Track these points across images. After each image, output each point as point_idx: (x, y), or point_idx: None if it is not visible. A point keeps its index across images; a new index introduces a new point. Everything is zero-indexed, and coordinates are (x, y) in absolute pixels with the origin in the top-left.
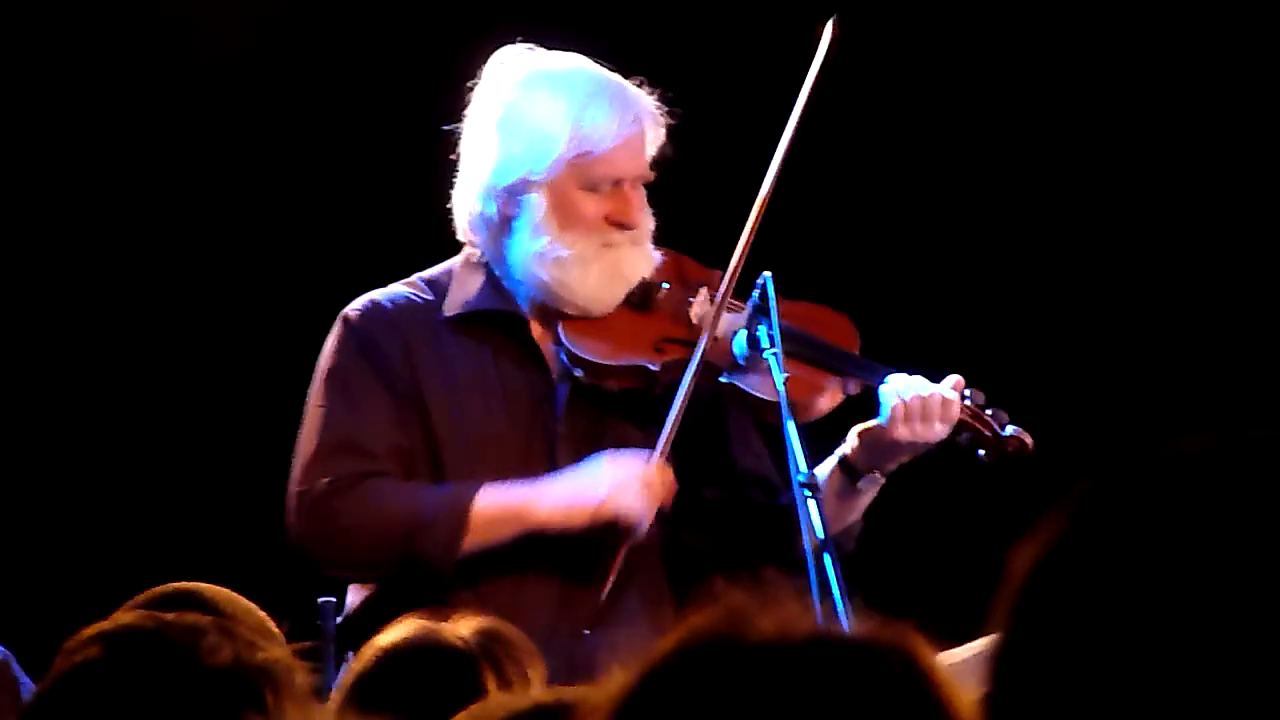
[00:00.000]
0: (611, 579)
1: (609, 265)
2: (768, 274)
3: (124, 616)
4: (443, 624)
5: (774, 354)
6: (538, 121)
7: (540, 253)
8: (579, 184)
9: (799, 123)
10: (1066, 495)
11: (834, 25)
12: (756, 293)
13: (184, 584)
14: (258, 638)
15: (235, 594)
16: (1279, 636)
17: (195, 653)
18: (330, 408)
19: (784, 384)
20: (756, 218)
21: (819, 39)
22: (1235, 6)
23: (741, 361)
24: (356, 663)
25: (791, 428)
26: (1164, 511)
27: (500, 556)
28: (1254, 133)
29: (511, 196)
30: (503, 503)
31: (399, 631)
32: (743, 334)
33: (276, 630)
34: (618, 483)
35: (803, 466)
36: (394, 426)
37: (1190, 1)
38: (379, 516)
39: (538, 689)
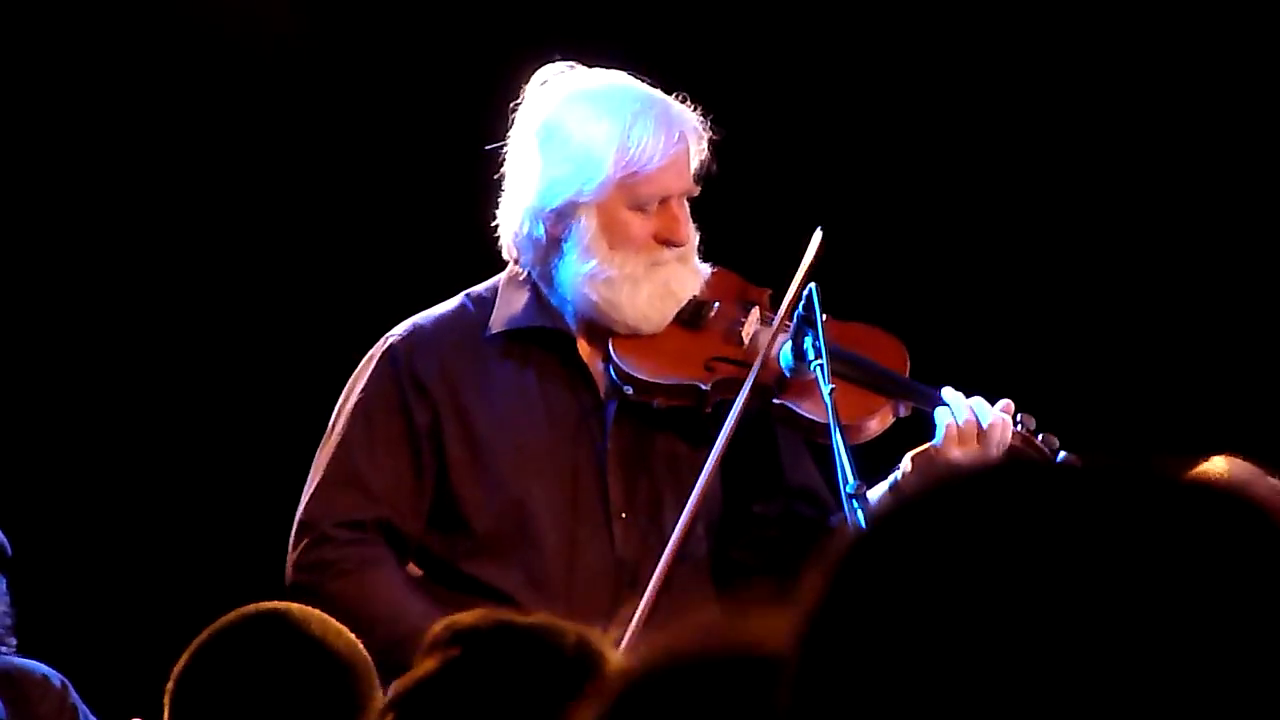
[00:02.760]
0: (649, 597)
1: (659, 284)
2: (813, 284)
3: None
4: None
5: (820, 365)
6: (584, 143)
7: (590, 273)
8: (627, 204)
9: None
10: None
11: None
12: (802, 304)
13: (271, 604)
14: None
15: (322, 614)
16: (1037, 675)
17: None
18: (348, 438)
19: (830, 394)
20: (818, 252)
21: None
22: (1232, 8)
23: (787, 373)
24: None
25: (839, 438)
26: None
27: (535, 574)
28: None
29: (559, 218)
30: None
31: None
32: (789, 345)
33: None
34: None
35: (851, 477)
36: (407, 467)
37: (1187, 12)
38: (365, 615)
39: None
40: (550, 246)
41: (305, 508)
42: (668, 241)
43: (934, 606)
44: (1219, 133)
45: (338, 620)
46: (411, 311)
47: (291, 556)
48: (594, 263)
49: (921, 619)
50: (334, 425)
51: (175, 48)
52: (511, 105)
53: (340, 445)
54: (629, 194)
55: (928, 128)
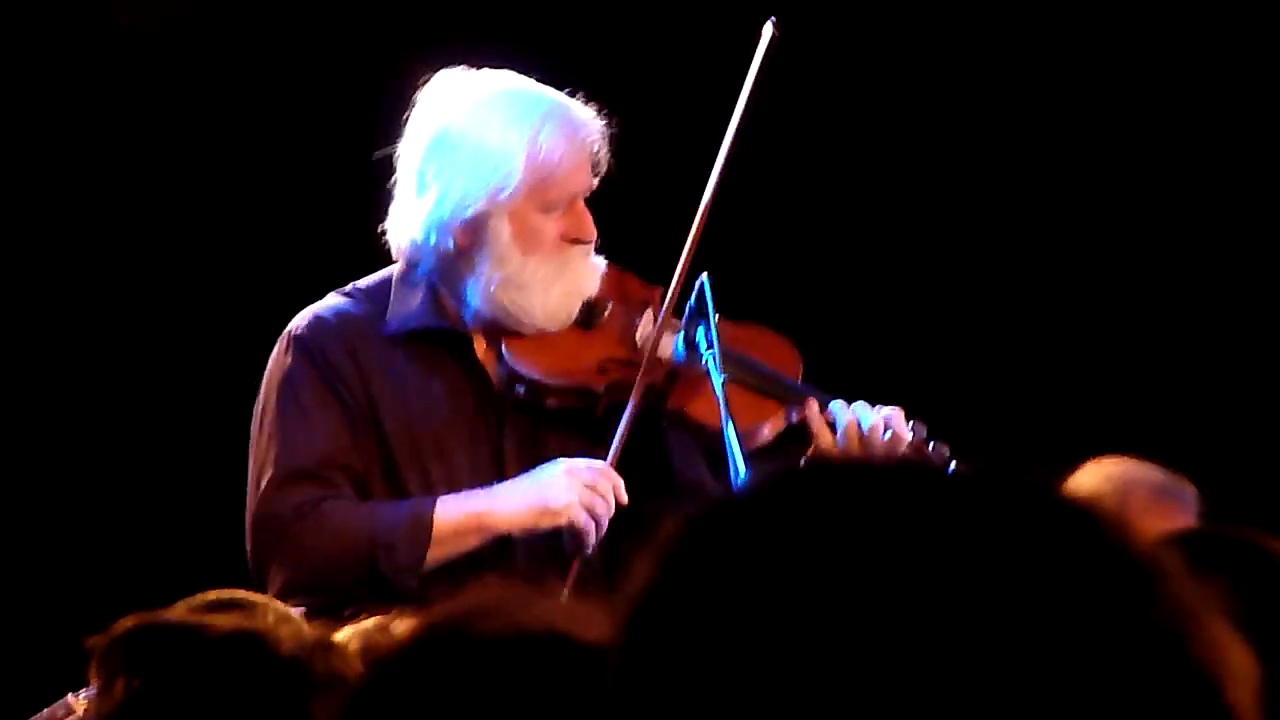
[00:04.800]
0: (568, 588)
1: (568, 282)
2: (705, 276)
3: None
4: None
5: (711, 354)
6: (492, 151)
7: (503, 278)
8: (538, 207)
9: (739, 130)
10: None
11: (773, 27)
12: (694, 294)
13: (227, 591)
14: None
15: (277, 600)
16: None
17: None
18: (285, 430)
19: (723, 385)
20: (696, 235)
21: (757, 41)
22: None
23: (679, 362)
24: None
25: (731, 431)
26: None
27: (447, 569)
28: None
29: (470, 229)
30: (463, 511)
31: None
32: (680, 336)
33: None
34: (574, 484)
35: (743, 470)
36: (348, 445)
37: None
38: (341, 539)
39: None
40: (457, 255)
41: (260, 503)
42: (576, 240)
43: (757, 596)
44: (1125, 150)
45: (316, 557)
46: (292, 310)
47: (254, 551)
48: (508, 268)
49: (744, 608)
50: (263, 419)
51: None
52: (403, 111)
53: (282, 437)
54: (539, 198)
55: (818, 113)
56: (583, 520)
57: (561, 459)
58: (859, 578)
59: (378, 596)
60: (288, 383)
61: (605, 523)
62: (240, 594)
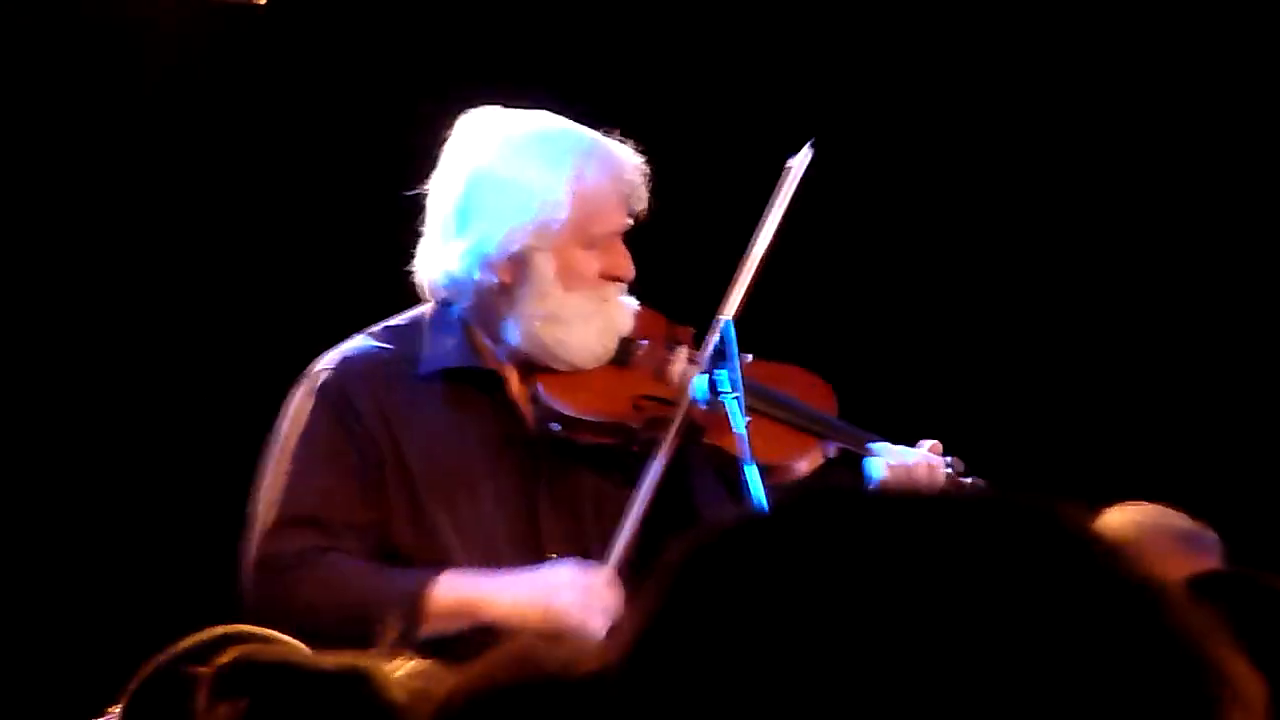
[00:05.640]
0: None
1: (606, 320)
2: (727, 318)
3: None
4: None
5: (735, 398)
6: (538, 188)
7: (545, 314)
8: (580, 243)
9: (794, 187)
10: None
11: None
12: (717, 336)
13: (233, 627)
14: None
15: (286, 636)
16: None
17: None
18: (296, 473)
19: (745, 427)
20: (746, 281)
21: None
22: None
23: (703, 405)
24: None
25: (753, 472)
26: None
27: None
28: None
29: (514, 264)
30: (459, 595)
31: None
32: (703, 379)
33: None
34: (577, 590)
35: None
36: (359, 498)
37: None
38: (337, 595)
39: None
40: (499, 291)
41: (262, 545)
42: (615, 277)
43: (759, 622)
44: (1135, 191)
45: (310, 611)
46: (321, 347)
47: (251, 589)
48: (549, 305)
49: (746, 634)
50: (276, 458)
51: (102, 94)
52: (440, 148)
53: (292, 481)
54: (582, 235)
55: (849, 170)
56: (577, 625)
57: (569, 562)
58: (862, 605)
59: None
60: (305, 427)
61: (604, 629)
62: (247, 629)
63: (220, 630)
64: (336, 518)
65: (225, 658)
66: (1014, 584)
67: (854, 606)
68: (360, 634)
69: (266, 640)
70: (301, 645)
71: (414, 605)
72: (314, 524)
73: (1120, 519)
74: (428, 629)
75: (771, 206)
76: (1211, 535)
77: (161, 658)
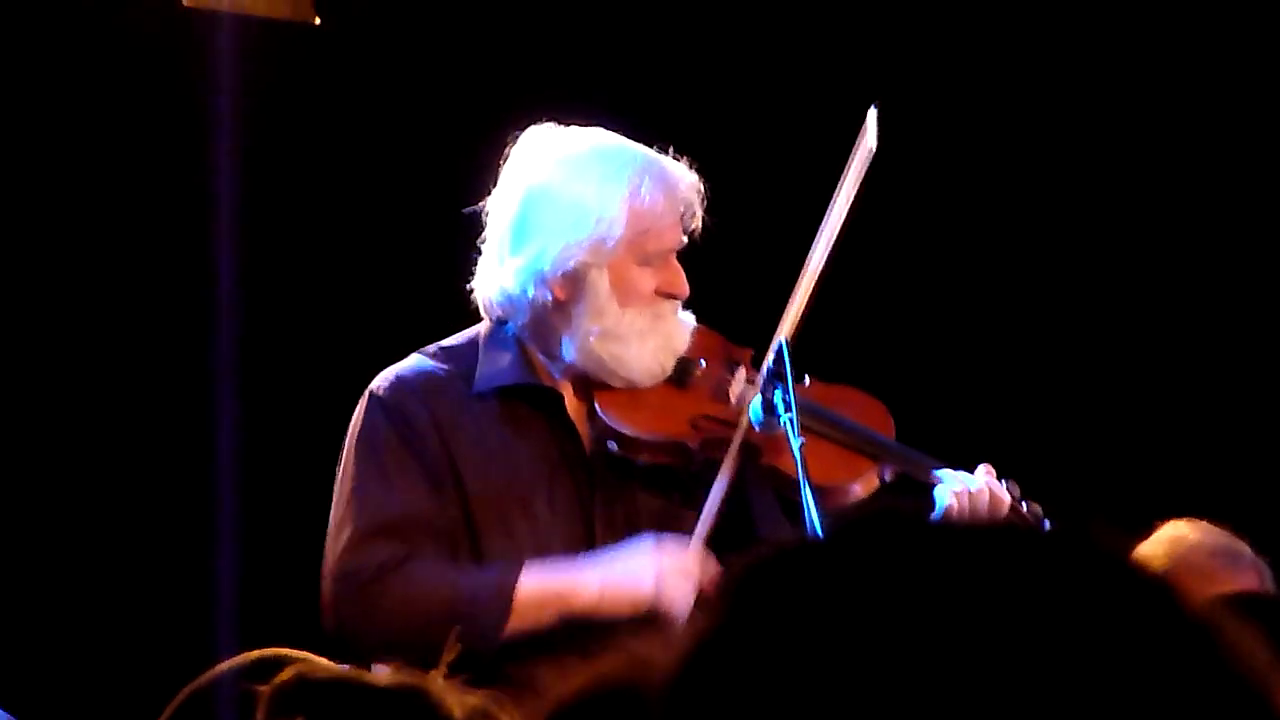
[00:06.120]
0: None
1: (663, 337)
2: (783, 338)
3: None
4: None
5: (790, 418)
6: (594, 205)
7: (601, 332)
8: (636, 261)
9: (848, 207)
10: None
11: (876, 111)
12: (772, 357)
13: (273, 650)
14: None
15: (324, 659)
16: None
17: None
18: (365, 488)
19: (800, 449)
20: (802, 302)
21: (863, 125)
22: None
23: (757, 427)
24: None
25: (808, 492)
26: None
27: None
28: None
29: (569, 281)
30: (546, 586)
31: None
32: (758, 400)
33: None
34: (663, 572)
35: (820, 533)
36: (429, 504)
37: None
38: (422, 601)
39: None
40: (554, 308)
41: (341, 559)
42: (670, 294)
43: (816, 645)
44: (1189, 207)
45: (396, 619)
46: (381, 364)
47: (333, 607)
48: (606, 320)
49: (798, 662)
50: (342, 479)
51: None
52: (499, 165)
53: (362, 497)
54: (639, 251)
55: (906, 196)
56: (669, 604)
57: (649, 537)
58: (916, 636)
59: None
60: (367, 442)
61: (691, 604)
62: (285, 652)
63: (257, 653)
64: (411, 524)
65: (282, 676)
66: (1073, 623)
67: (908, 637)
68: (448, 637)
69: (303, 661)
70: (332, 664)
71: (501, 601)
72: (389, 534)
73: (1164, 535)
74: (516, 624)
75: (836, 198)
76: (1251, 553)
77: (199, 681)
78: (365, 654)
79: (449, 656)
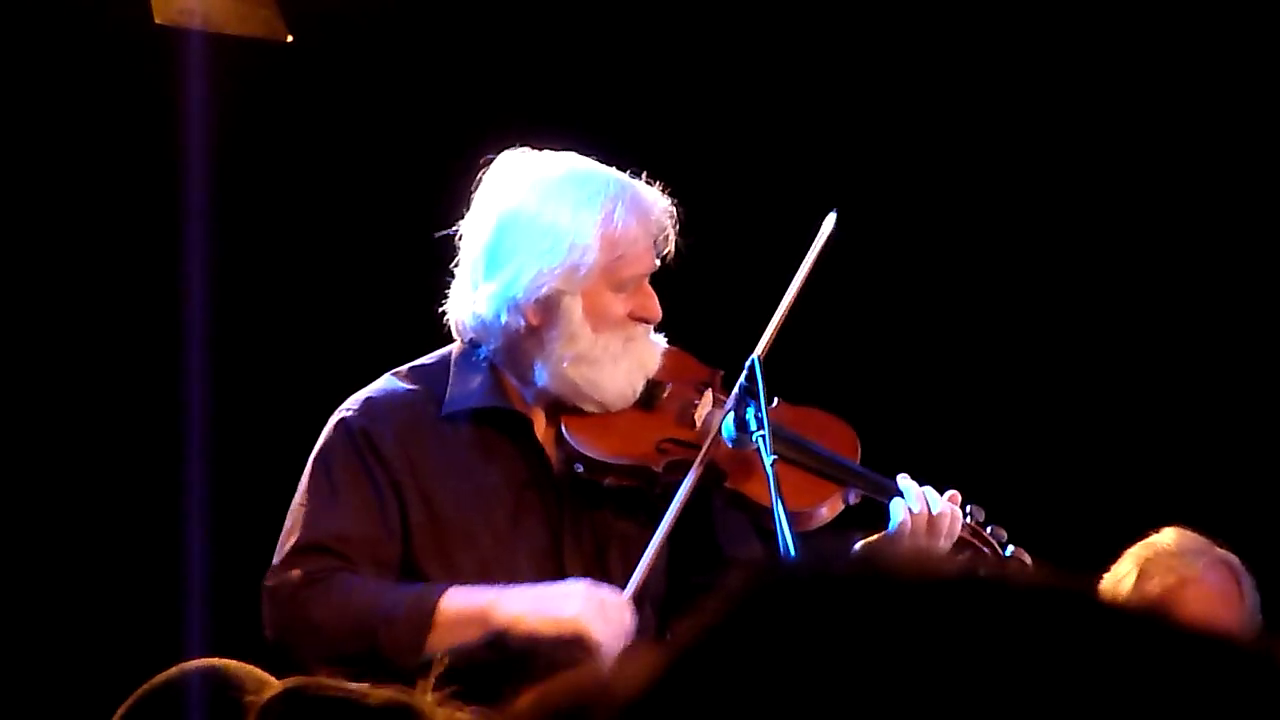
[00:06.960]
0: None
1: (635, 360)
2: (756, 356)
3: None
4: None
5: (761, 435)
6: (566, 231)
7: (575, 355)
8: (609, 286)
9: (823, 244)
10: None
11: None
12: (744, 374)
13: (208, 660)
14: None
15: (258, 670)
16: None
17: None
18: (311, 506)
19: (772, 465)
20: (778, 323)
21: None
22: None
23: (730, 444)
24: None
25: (780, 510)
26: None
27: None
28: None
29: (542, 307)
30: (468, 603)
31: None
32: (731, 417)
33: None
34: (589, 601)
35: (792, 549)
36: (374, 528)
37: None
38: (345, 610)
39: None
40: (527, 334)
41: (274, 570)
42: (642, 319)
43: (804, 680)
44: (1166, 226)
45: (321, 628)
46: (357, 384)
47: (267, 618)
48: (579, 347)
49: (793, 685)
50: (298, 494)
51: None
52: (472, 188)
53: (306, 514)
54: (612, 277)
55: (875, 215)
56: (590, 631)
57: (584, 581)
58: (917, 688)
59: (380, 675)
60: (323, 461)
61: (615, 646)
62: (220, 662)
63: (195, 664)
64: (350, 544)
65: (273, 691)
66: (1064, 674)
67: (908, 690)
68: (370, 647)
69: (231, 673)
70: (266, 675)
71: (422, 615)
72: (324, 550)
73: (1129, 552)
74: (436, 639)
75: (803, 264)
76: (1219, 550)
77: (138, 693)
78: (300, 664)
79: (438, 671)
